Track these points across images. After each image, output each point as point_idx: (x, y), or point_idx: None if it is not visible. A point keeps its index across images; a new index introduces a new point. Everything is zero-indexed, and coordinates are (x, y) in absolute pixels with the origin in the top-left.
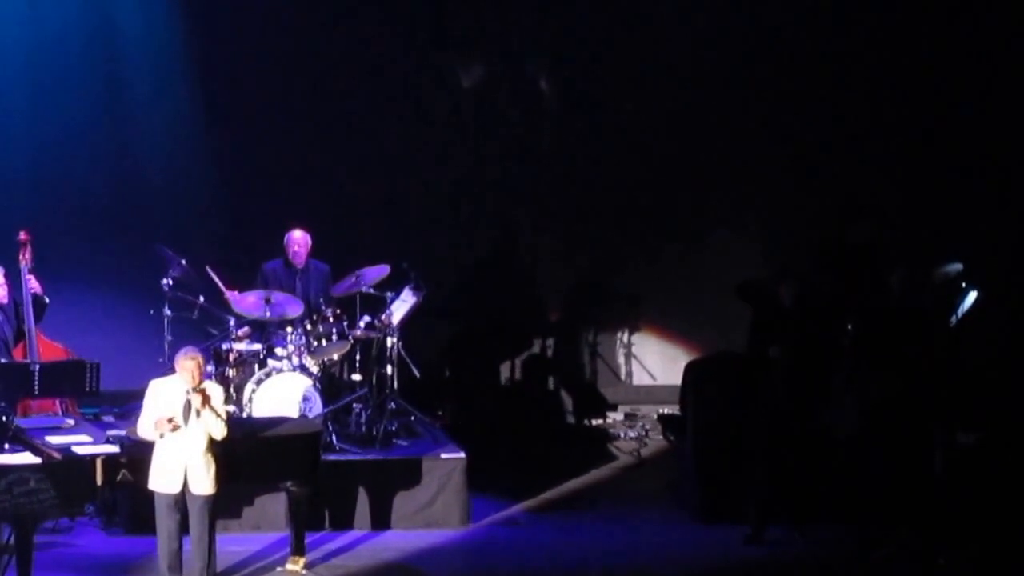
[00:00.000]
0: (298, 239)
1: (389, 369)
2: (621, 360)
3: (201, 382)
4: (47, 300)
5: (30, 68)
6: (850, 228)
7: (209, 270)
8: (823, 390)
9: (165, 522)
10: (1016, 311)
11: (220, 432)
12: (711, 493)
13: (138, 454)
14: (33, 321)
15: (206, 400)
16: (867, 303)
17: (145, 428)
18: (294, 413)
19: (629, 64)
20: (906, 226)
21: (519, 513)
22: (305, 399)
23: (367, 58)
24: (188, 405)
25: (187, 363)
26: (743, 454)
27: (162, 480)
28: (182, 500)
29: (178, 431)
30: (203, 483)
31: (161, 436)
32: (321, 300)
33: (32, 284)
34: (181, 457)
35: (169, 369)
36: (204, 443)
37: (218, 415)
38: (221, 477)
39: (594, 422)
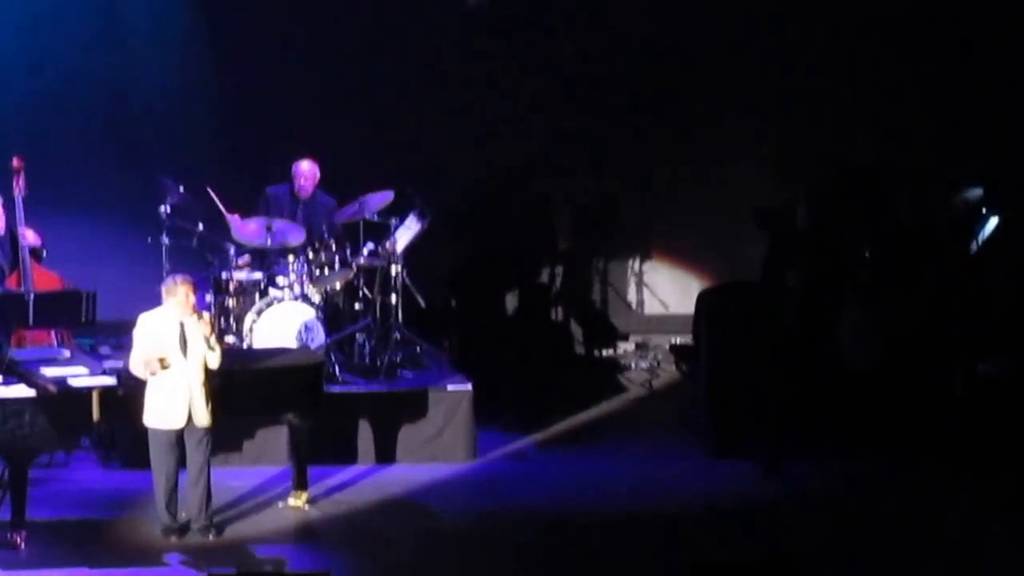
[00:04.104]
0: (305, 171)
1: (393, 298)
2: (632, 289)
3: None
4: (45, 253)
5: None
6: (854, 151)
7: (210, 191)
8: (836, 319)
9: (164, 459)
10: None
11: (216, 361)
12: (724, 425)
13: (135, 387)
14: (28, 252)
15: (213, 326)
16: (881, 229)
17: (137, 366)
18: (296, 344)
19: None
20: (921, 148)
21: (527, 446)
22: (307, 329)
23: None
24: (183, 336)
25: (180, 289)
26: (755, 385)
27: (164, 416)
28: (181, 436)
29: (176, 364)
30: (204, 415)
31: (153, 374)
32: (324, 230)
33: (30, 238)
34: (183, 390)
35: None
36: (203, 374)
37: (211, 345)
38: (218, 409)
39: (604, 352)
